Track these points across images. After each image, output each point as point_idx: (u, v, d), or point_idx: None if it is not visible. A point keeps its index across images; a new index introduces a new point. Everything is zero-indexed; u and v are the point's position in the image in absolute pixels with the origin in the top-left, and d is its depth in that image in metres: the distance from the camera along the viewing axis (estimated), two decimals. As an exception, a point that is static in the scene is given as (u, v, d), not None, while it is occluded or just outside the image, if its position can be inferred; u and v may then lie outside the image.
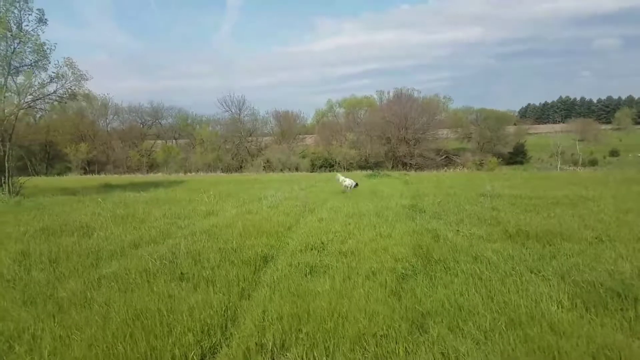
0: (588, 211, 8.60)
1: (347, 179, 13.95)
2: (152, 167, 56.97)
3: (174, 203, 9.84)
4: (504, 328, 3.11)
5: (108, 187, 14.63)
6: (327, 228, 6.76)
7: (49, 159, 60.26)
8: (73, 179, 22.82)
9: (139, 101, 67.12)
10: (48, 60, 13.32)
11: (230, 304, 3.61)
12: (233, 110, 63.09)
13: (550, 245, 5.73)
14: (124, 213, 8.13)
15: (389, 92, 67.90)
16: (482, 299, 3.69)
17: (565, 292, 3.85)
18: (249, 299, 3.79)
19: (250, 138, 62.11)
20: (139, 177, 24.77)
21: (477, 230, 6.61)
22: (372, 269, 4.48)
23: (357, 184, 13.72)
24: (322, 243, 5.71)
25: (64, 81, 13.61)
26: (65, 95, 14.14)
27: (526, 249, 5.56)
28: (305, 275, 4.35)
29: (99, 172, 50.36)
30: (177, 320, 3.24)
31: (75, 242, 5.86)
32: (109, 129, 64.84)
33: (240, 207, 9.19)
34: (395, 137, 58.47)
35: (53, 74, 13.53)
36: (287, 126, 63.54)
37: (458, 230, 6.67)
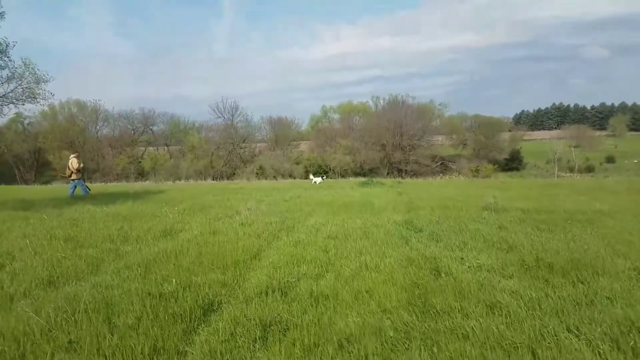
0: (610, 230, 7.39)
1: (317, 178, 22.00)
2: (142, 174, 55.56)
3: (133, 219, 8.50)
4: None
5: (75, 199, 13.26)
6: (302, 256, 5.48)
7: (38, 166, 58.94)
8: (44, 189, 21.38)
9: (134, 108, 65.53)
10: (8, 57, 12.08)
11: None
12: (225, 117, 62.01)
13: (581, 282, 4.47)
14: (64, 234, 6.74)
15: (384, 99, 67.06)
16: (510, 391, 2.43)
17: (630, 375, 2.60)
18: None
19: (243, 144, 60.93)
20: (116, 186, 23.38)
21: (486, 259, 5.35)
22: (350, 329, 3.20)
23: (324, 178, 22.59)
24: (290, 281, 4.43)
25: (20, 82, 12.34)
26: (23, 97, 12.84)
27: (552, 288, 4.31)
28: (254, 342, 3.06)
29: (85, 181, 48.91)
30: None
31: (-24, 279, 4.54)
32: (98, 136, 63.50)
33: (207, 225, 7.87)
34: (390, 143, 57.55)
35: (10, 74, 12.26)
36: (282, 132, 62.52)
37: (462, 259, 5.40)
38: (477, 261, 5.21)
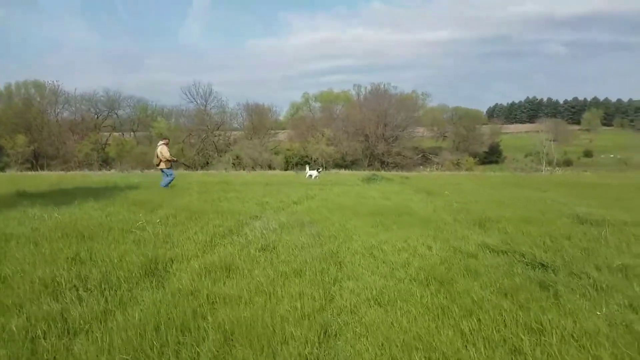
0: None
1: (313, 171, 19.00)
2: (107, 162, 51.32)
3: (95, 238, 5.59)
4: None
5: (21, 197, 10.05)
6: (418, 336, 2.90)
7: (-9, 152, 53.61)
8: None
9: (97, 90, 60.70)
10: None
11: None
12: (198, 102, 58.37)
13: None
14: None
15: (366, 88, 64.79)
16: None
17: None
18: None
19: (217, 132, 57.54)
20: (77, 176, 19.95)
21: None
22: None
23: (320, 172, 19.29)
24: None
25: None
26: None
27: None
28: None
29: (44, 168, 44.64)
30: None
31: None
32: (58, 119, 58.57)
33: (208, 250, 5.16)
34: (373, 134, 55.50)
35: None
36: (259, 120, 59.35)
37: None
38: None
